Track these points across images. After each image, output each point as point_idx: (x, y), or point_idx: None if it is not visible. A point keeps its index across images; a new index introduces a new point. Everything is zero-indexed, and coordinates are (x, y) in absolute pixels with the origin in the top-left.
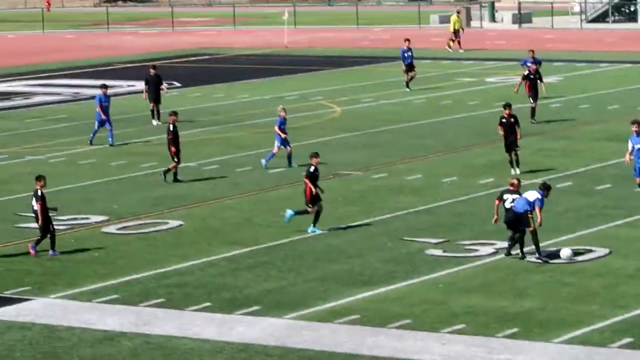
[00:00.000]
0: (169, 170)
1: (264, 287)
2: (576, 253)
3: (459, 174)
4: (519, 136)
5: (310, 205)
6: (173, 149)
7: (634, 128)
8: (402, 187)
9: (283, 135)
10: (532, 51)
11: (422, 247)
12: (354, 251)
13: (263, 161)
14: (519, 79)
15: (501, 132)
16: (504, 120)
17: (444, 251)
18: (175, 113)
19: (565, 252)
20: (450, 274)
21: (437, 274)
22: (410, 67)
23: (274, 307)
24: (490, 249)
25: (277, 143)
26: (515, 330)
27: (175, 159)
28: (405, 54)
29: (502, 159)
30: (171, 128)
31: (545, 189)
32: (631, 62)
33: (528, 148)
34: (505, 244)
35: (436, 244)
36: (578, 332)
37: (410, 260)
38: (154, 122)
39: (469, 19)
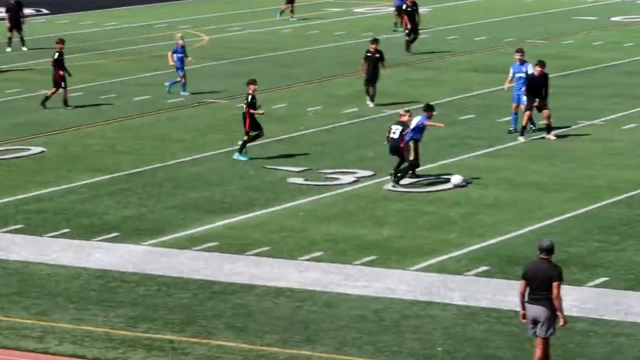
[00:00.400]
0: (48, 98)
1: (123, 213)
2: (435, 182)
3: (323, 104)
4: (383, 70)
5: (251, 134)
6: (59, 74)
7: (517, 56)
8: (266, 116)
9: (171, 63)
10: None
11: (284, 175)
12: (216, 179)
13: (184, 93)
14: (389, 9)
15: (365, 67)
16: (369, 54)
17: (306, 179)
18: (62, 41)
19: (456, 179)
20: (311, 202)
21: (297, 202)
22: None
23: (132, 234)
24: (351, 178)
25: (179, 72)
26: (372, 257)
27: (63, 85)
28: None
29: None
30: (56, 56)
31: (428, 109)
32: None
33: (394, 78)
34: (367, 173)
35: (298, 172)
36: (434, 260)
37: (271, 188)
38: (8, 49)
39: None
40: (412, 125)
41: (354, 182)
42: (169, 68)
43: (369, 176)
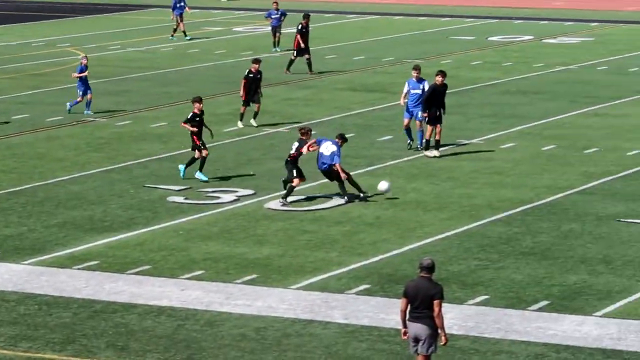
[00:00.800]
0: None
1: (3, 232)
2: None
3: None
4: (260, 92)
5: (199, 151)
6: None
7: (415, 73)
8: (145, 135)
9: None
10: (276, 2)
11: (164, 194)
12: (96, 197)
13: (68, 105)
14: (268, 29)
15: (244, 87)
16: (250, 75)
17: (186, 198)
18: None
19: (383, 185)
20: (191, 221)
21: (178, 220)
22: (181, 17)
23: (12, 253)
24: (231, 197)
25: (79, 91)
26: (254, 276)
27: None
28: (178, 4)
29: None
30: None
31: (341, 139)
32: (378, 13)
33: (273, 97)
34: (248, 191)
35: (178, 191)
36: (316, 279)
37: (151, 207)
38: None
39: None
40: (328, 150)
41: (235, 200)
42: (49, 85)
43: (250, 195)
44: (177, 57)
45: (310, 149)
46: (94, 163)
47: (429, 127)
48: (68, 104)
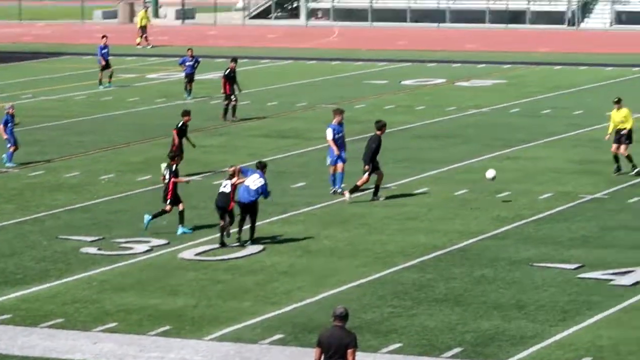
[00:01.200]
0: None
1: None
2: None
3: (117, 171)
4: (190, 142)
5: (170, 205)
6: None
7: (339, 117)
8: (59, 185)
9: (5, 136)
10: (191, 49)
11: (78, 245)
12: (8, 250)
13: (5, 160)
14: (181, 75)
15: (177, 140)
16: (183, 127)
17: (99, 249)
18: None
19: (490, 173)
20: (105, 272)
21: (91, 272)
22: (107, 64)
23: None
24: (145, 247)
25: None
26: (167, 328)
27: None
28: (102, 51)
29: (160, 155)
30: None
31: (262, 167)
32: (292, 58)
33: (188, 144)
34: (161, 241)
35: (91, 242)
36: (229, 329)
37: (64, 258)
38: None
39: (132, 14)
40: (258, 182)
41: (148, 251)
42: None
43: (163, 245)
44: (90, 105)
45: (237, 181)
46: (6, 215)
47: (365, 176)
48: (4, 156)
